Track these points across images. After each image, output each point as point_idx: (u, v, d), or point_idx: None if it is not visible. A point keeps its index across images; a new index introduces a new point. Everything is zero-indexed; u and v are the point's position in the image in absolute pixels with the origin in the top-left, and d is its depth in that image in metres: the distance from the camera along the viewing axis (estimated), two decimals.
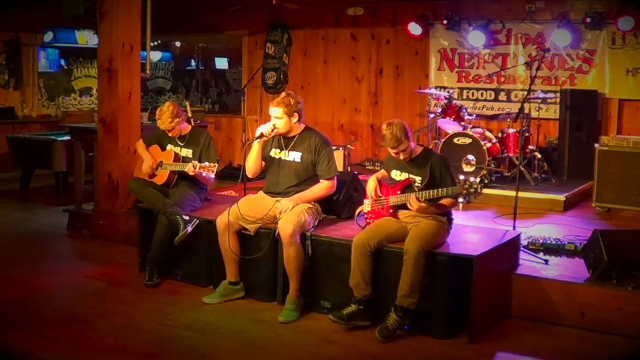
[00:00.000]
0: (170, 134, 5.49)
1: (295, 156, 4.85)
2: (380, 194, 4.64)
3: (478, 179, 4.23)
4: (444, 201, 4.39)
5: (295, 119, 4.82)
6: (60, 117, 11.15)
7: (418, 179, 4.49)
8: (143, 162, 5.60)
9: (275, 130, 4.81)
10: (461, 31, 9.03)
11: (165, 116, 5.39)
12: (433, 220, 4.41)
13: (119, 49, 6.43)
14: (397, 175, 4.61)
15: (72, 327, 4.41)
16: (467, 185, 4.19)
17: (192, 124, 5.75)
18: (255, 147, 4.91)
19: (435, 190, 4.31)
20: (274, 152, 4.93)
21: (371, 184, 4.70)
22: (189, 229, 5.05)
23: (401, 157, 4.49)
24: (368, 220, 4.70)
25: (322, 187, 4.83)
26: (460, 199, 4.46)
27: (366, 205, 4.72)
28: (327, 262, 4.66)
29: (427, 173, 4.44)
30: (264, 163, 5.00)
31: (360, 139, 9.84)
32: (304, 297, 4.65)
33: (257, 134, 4.85)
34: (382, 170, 4.83)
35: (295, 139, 4.88)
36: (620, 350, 4.14)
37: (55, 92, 11.38)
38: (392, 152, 4.50)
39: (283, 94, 4.88)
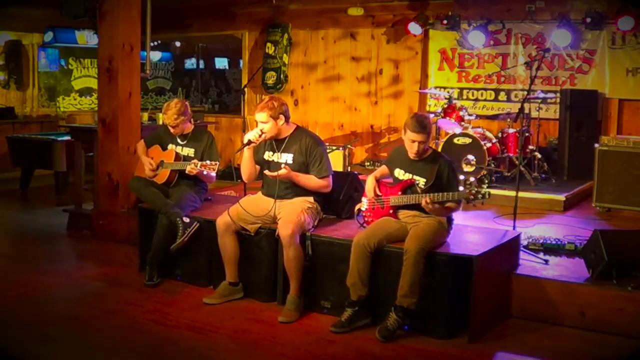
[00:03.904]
0: (172, 131, 5.49)
1: (287, 158, 4.83)
2: (379, 193, 4.64)
3: (485, 186, 4.20)
4: (449, 205, 4.38)
5: (281, 122, 4.79)
6: (60, 117, 11.16)
7: (422, 180, 4.47)
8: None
9: (263, 135, 4.79)
10: (461, 31, 9.03)
11: (172, 112, 5.40)
12: (433, 220, 4.40)
13: (119, 49, 6.43)
14: (401, 174, 4.59)
15: (72, 327, 4.41)
16: (474, 191, 4.18)
17: (193, 124, 5.76)
18: (246, 154, 4.90)
19: (441, 194, 4.29)
20: (267, 155, 4.92)
21: (370, 183, 4.69)
22: (186, 238, 5.06)
23: (415, 149, 4.40)
24: (366, 219, 4.70)
25: (318, 181, 4.80)
26: (454, 205, 4.43)
27: (363, 204, 4.71)
28: (327, 262, 4.66)
29: (432, 176, 4.42)
30: (258, 167, 4.99)
31: (360, 139, 9.84)
32: (304, 297, 4.65)
33: (245, 141, 4.83)
34: (382, 167, 4.82)
35: (286, 140, 4.86)
36: (620, 350, 4.14)
37: (56, 92, 11.38)
38: (410, 137, 4.37)
39: (266, 98, 4.87)
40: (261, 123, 4.78)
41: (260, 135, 4.78)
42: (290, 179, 4.74)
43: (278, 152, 4.87)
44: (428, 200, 4.26)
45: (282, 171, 4.68)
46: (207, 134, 5.60)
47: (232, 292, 4.89)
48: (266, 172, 4.84)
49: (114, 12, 6.44)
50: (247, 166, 4.94)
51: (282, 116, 4.78)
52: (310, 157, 4.79)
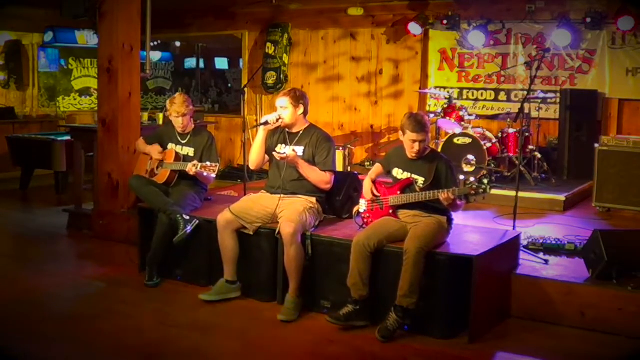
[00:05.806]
0: (180, 123, 5.47)
1: (298, 151, 4.88)
2: (377, 194, 4.64)
3: (486, 180, 4.20)
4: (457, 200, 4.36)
5: (300, 111, 4.89)
6: (60, 117, 11.16)
7: (421, 179, 4.48)
8: (147, 158, 5.64)
9: (280, 120, 4.86)
10: (461, 31, 9.03)
11: (180, 101, 5.44)
12: (433, 220, 4.41)
13: (119, 49, 6.43)
14: (399, 173, 4.60)
15: (73, 327, 4.41)
16: (475, 186, 4.18)
17: (194, 124, 5.77)
18: (260, 135, 4.96)
19: (453, 190, 4.27)
20: (279, 147, 4.96)
21: (366, 185, 4.71)
22: (189, 229, 5.05)
23: (416, 148, 4.43)
24: (365, 220, 4.70)
25: (320, 173, 4.84)
26: (459, 201, 4.42)
27: (361, 205, 4.72)
28: (327, 262, 4.66)
29: (431, 174, 4.43)
30: (267, 158, 5.03)
31: (360, 139, 9.84)
32: (304, 297, 4.65)
33: (263, 120, 4.92)
34: (376, 166, 4.83)
35: (299, 134, 4.94)
36: (620, 350, 4.14)
37: (56, 92, 11.38)
38: (412, 138, 4.39)
39: (290, 88, 4.99)
40: (281, 108, 4.88)
41: (277, 120, 4.86)
42: (295, 163, 4.79)
43: (290, 144, 4.92)
44: (448, 193, 4.24)
45: (291, 153, 4.75)
46: (207, 134, 5.60)
47: (229, 290, 4.89)
48: (274, 152, 4.87)
49: (114, 12, 6.44)
50: (257, 150, 4.98)
51: (302, 106, 4.89)
52: (317, 149, 4.86)
